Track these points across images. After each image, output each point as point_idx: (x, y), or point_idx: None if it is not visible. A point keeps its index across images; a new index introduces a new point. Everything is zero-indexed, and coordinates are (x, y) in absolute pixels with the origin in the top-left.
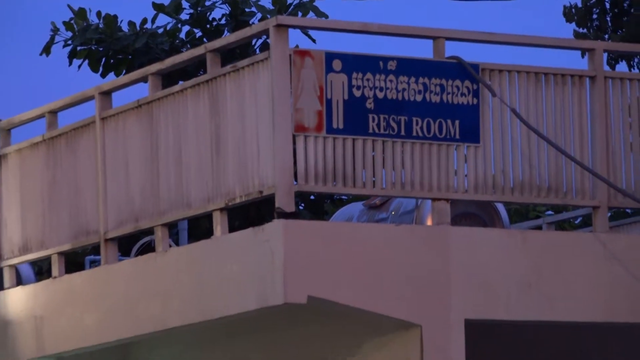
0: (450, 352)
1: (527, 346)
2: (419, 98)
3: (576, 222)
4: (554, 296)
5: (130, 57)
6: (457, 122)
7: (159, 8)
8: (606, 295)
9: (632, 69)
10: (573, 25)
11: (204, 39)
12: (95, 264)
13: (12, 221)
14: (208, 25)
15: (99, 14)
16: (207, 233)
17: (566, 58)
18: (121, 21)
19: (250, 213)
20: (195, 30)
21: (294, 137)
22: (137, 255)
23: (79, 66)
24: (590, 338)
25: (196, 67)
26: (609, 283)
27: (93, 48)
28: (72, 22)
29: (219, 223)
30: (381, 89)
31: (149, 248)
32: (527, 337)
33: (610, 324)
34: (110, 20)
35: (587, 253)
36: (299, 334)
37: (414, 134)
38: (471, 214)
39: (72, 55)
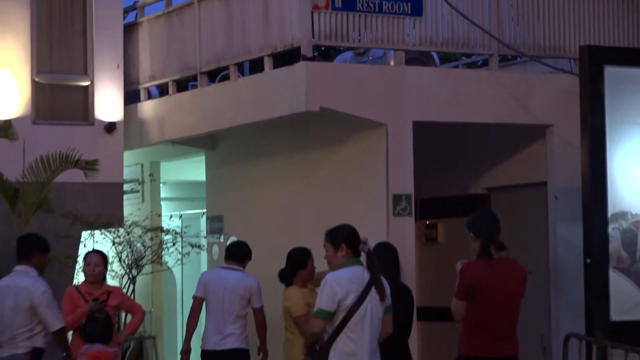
0: (404, 143)
1: (452, 141)
2: None
3: (479, 64)
4: (467, 102)
5: None
6: (409, 4)
7: None
8: (496, 101)
9: None
10: None
11: None
12: (194, 87)
13: (145, 61)
14: None
15: None
16: (261, 70)
17: None
18: None
19: (286, 59)
20: None
21: (312, 12)
22: (219, 82)
23: None
24: (492, 135)
25: None
26: (497, 96)
27: None
28: None
29: (268, 63)
30: None
31: (226, 78)
32: (453, 135)
33: (498, 123)
34: None
35: (485, 82)
36: (309, 131)
37: (384, 10)
38: (416, 58)
39: None
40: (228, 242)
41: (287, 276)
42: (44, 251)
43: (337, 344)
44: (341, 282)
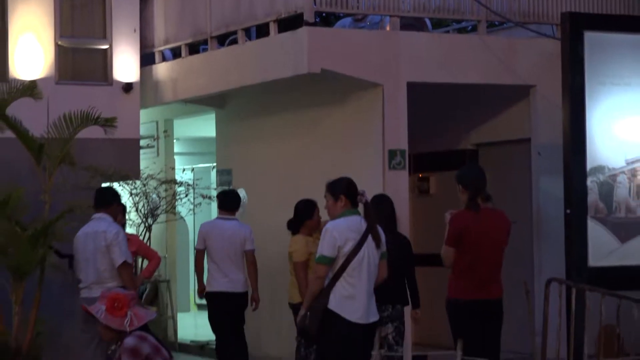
0: (398, 103)
1: (443, 100)
2: None
3: (468, 29)
4: (457, 65)
5: None
6: None
7: None
8: (484, 63)
9: None
10: None
11: None
12: (205, 50)
13: (159, 26)
14: None
15: None
16: (267, 34)
17: None
18: None
19: (290, 24)
20: None
21: None
22: (228, 45)
23: None
24: (480, 95)
25: None
26: (485, 59)
27: None
28: None
29: (273, 28)
30: None
31: (234, 42)
32: (445, 95)
33: (486, 84)
34: None
35: (474, 46)
36: (311, 91)
37: None
38: (411, 24)
39: None
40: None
41: (294, 225)
42: (120, 204)
43: (336, 288)
44: (340, 230)
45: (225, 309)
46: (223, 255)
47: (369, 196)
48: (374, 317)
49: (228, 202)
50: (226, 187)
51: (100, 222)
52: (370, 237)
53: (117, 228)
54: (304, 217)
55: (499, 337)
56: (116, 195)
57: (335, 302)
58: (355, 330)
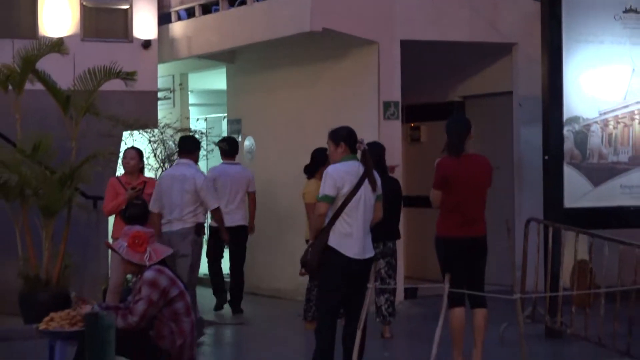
0: (393, 58)
1: (434, 56)
2: None
3: None
4: (446, 24)
5: None
6: None
7: None
8: (470, 22)
9: None
10: None
11: None
12: (216, 10)
13: None
14: None
15: None
16: None
17: None
18: None
19: None
20: None
21: None
22: (237, 5)
23: None
24: (467, 51)
25: None
26: (472, 19)
27: None
28: None
29: None
30: None
31: (243, 2)
32: (435, 51)
33: (472, 42)
34: None
35: (462, 6)
36: (313, 48)
37: None
38: None
39: None
40: (246, 142)
41: (310, 171)
42: (199, 150)
43: (335, 226)
44: (339, 173)
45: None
46: (228, 195)
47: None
48: (370, 254)
49: (230, 149)
50: (236, 135)
51: (188, 167)
52: (366, 181)
53: (204, 176)
54: (319, 164)
55: (484, 271)
56: (198, 144)
57: (335, 239)
58: (352, 265)
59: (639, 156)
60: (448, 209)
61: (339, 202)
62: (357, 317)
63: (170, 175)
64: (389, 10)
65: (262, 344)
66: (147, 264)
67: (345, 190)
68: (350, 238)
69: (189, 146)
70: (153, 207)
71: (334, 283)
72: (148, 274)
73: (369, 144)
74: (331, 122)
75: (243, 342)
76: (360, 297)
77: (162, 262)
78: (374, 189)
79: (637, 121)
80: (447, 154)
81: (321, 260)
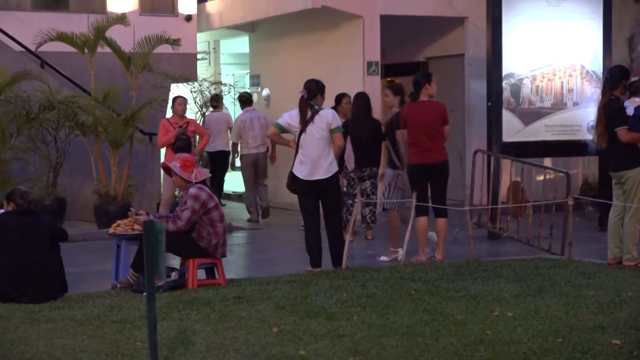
0: (374, 29)
1: (406, 27)
2: None
3: None
4: (415, 2)
5: None
6: None
7: None
8: (432, 3)
9: None
10: None
11: None
12: None
13: None
14: None
15: None
16: None
17: None
18: None
19: None
20: None
21: None
22: None
23: None
24: (431, 23)
25: None
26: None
27: None
28: None
29: None
30: None
31: None
32: (407, 23)
33: (434, 16)
34: None
35: None
36: (314, 21)
37: None
38: None
39: None
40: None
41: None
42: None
43: (296, 157)
44: (291, 115)
45: (253, 165)
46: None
47: (351, 94)
48: (319, 177)
49: (246, 99)
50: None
51: (255, 111)
52: (314, 120)
53: (265, 115)
54: (336, 104)
55: (444, 189)
56: (250, 98)
57: (294, 167)
58: (305, 184)
59: (558, 103)
60: (411, 142)
61: (297, 139)
62: (332, 214)
63: (249, 118)
64: None
65: (273, 246)
66: (193, 181)
67: (295, 128)
68: (303, 165)
69: (248, 99)
70: (235, 139)
71: (301, 194)
72: (192, 190)
73: (357, 94)
74: (326, 78)
75: (259, 243)
76: (328, 203)
77: (203, 182)
78: (323, 125)
79: (557, 77)
80: (411, 100)
81: (292, 180)
